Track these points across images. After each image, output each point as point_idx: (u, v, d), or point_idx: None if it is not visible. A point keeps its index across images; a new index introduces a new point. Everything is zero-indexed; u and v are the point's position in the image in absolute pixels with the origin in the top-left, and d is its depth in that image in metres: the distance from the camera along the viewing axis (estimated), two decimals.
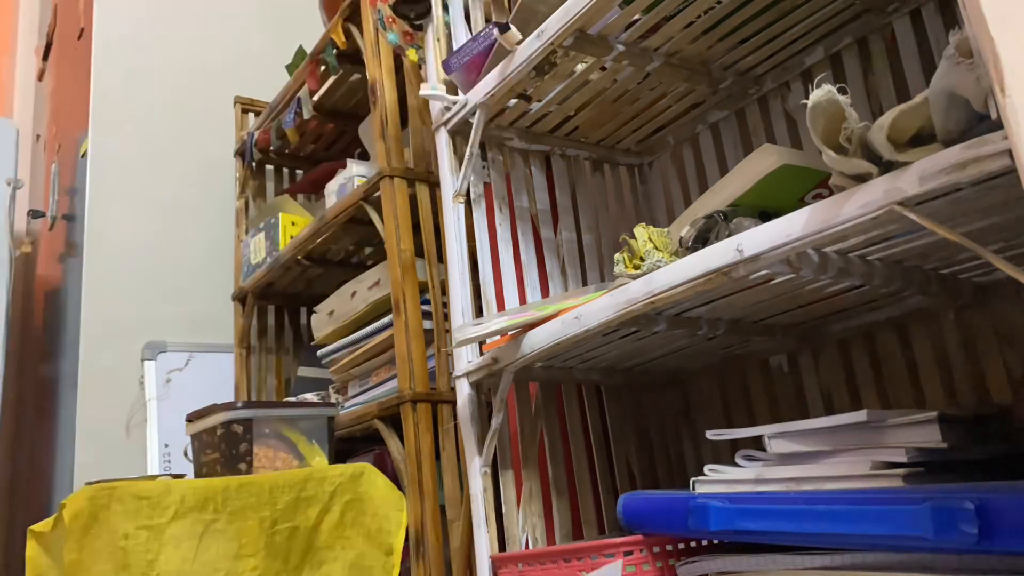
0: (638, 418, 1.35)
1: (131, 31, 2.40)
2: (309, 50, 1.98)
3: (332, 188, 1.83)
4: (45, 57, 3.14)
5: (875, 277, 0.84)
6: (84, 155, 2.27)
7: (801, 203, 0.93)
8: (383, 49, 1.67)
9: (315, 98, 1.97)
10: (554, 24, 1.03)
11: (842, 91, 0.66)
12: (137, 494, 1.17)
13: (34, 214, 2.66)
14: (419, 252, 1.58)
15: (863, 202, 0.67)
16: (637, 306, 0.90)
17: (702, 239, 0.91)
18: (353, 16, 1.74)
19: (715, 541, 0.89)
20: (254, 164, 2.34)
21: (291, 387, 2.18)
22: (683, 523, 0.83)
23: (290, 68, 2.19)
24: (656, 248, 0.91)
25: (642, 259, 0.89)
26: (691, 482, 0.89)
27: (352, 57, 1.83)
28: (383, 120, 1.62)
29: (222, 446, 1.40)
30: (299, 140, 2.17)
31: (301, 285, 2.19)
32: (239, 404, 1.43)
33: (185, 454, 1.55)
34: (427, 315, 1.54)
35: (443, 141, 1.26)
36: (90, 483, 1.18)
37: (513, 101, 1.22)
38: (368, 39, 1.68)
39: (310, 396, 1.85)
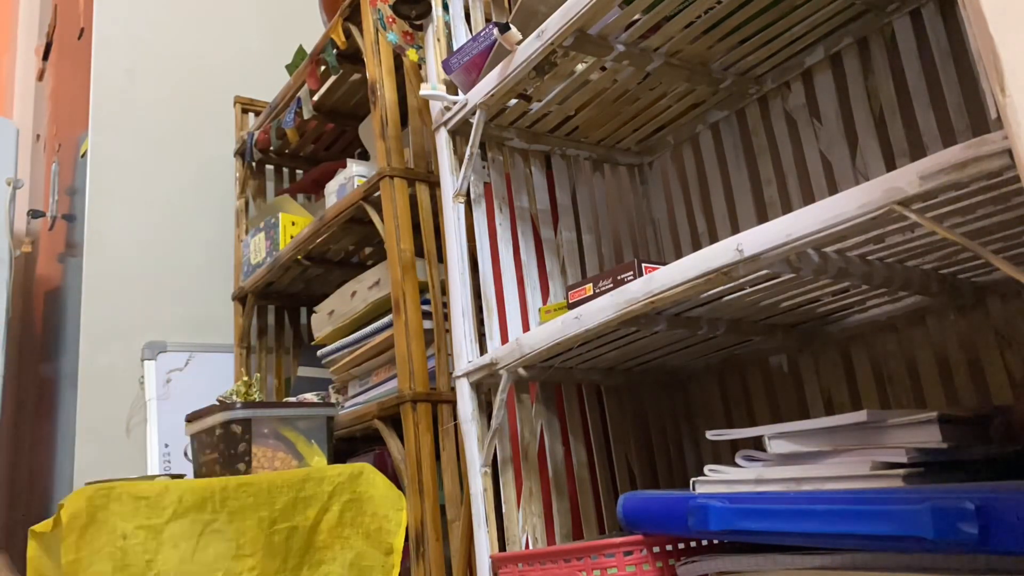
0: (638, 418, 1.35)
1: (131, 31, 2.40)
2: (309, 50, 1.98)
3: (332, 188, 1.83)
4: (45, 57, 3.14)
5: (875, 277, 0.84)
6: (84, 155, 2.27)
7: None
8: (383, 49, 1.67)
9: (315, 98, 1.97)
10: (554, 24, 1.03)
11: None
12: (135, 494, 1.17)
13: (34, 214, 2.66)
14: (419, 252, 1.58)
15: (863, 201, 0.67)
16: (637, 306, 0.90)
17: None
18: (353, 16, 1.74)
19: (715, 541, 0.88)
20: (254, 164, 2.34)
21: (291, 387, 2.18)
22: (683, 523, 0.83)
23: (290, 68, 2.19)
24: None
25: None
26: (691, 482, 0.89)
27: (352, 57, 1.83)
28: (383, 120, 1.62)
29: (221, 446, 1.40)
30: (299, 140, 2.17)
31: (301, 285, 2.19)
32: (238, 404, 1.43)
33: (185, 454, 1.55)
34: (427, 315, 1.54)
35: (443, 141, 1.26)
36: (90, 483, 1.18)
37: (513, 101, 1.22)
38: (368, 39, 1.68)
39: (310, 396, 1.85)
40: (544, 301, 1.27)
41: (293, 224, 2.02)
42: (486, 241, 1.23)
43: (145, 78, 2.38)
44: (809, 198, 1.22)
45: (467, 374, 1.16)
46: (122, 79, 2.34)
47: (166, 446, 2.06)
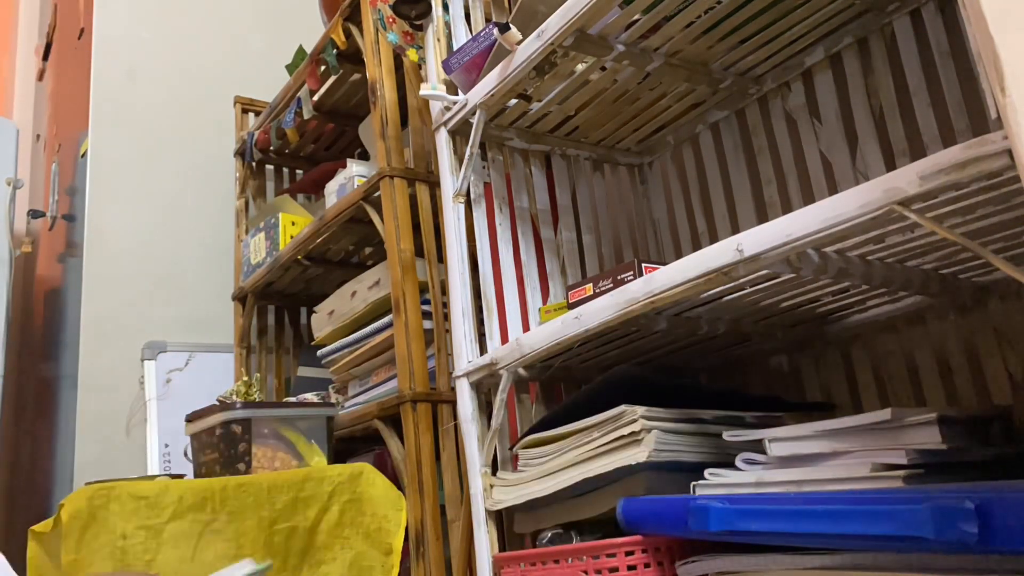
0: None
1: (131, 31, 2.40)
2: (309, 50, 1.98)
3: (332, 188, 1.83)
4: (45, 57, 3.14)
5: (875, 277, 0.84)
6: (84, 155, 2.27)
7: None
8: (383, 49, 1.67)
9: (315, 98, 1.97)
10: (554, 24, 1.03)
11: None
12: (135, 494, 1.17)
13: (34, 214, 2.67)
14: (419, 252, 1.58)
15: (863, 201, 0.67)
16: (637, 306, 0.90)
17: None
18: (353, 16, 1.74)
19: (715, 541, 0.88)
20: (254, 164, 2.34)
21: (291, 387, 2.18)
22: (683, 524, 0.83)
23: (290, 68, 2.19)
24: None
25: None
26: (691, 486, 0.89)
27: (352, 57, 1.83)
28: (383, 120, 1.62)
29: (221, 446, 1.40)
30: (299, 140, 2.17)
31: (301, 285, 2.19)
32: (238, 404, 1.43)
33: (185, 454, 1.55)
34: (427, 315, 1.54)
35: (443, 141, 1.26)
36: (90, 483, 1.18)
37: (513, 101, 1.22)
38: (368, 39, 1.68)
39: (310, 396, 1.85)
40: (544, 301, 1.27)
41: (293, 224, 2.02)
42: (486, 241, 1.23)
43: (145, 78, 2.38)
44: (809, 198, 1.22)
45: (467, 374, 1.16)
46: (122, 79, 2.34)
47: (166, 446, 2.06)
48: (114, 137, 2.28)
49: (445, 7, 1.35)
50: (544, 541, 1.02)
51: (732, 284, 0.84)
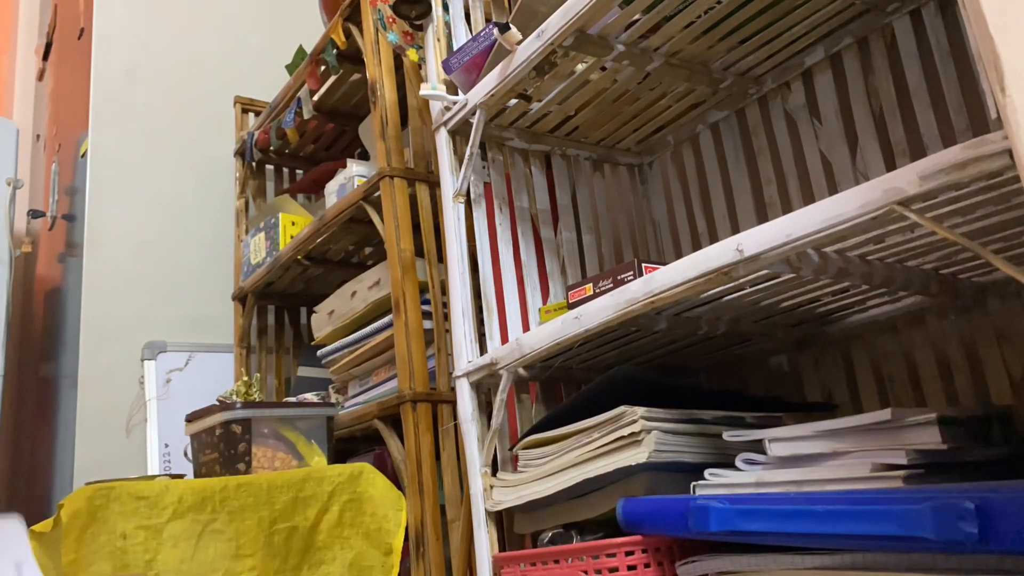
0: None
1: (131, 31, 2.40)
2: (309, 50, 1.98)
3: (332, 188, 1.83)
4: (45, 57, 3.14)
5: (875, 277, 0.84)
6: (84, 155, 2.27)
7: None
8: (383, 49, 1.67)
9: (315, 98, 1.97)
10: (554, 24, 1.03)
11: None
12: (135, 494, 1.17)
13: (34, 214, 2.66)
14: (419, 252, 1.58)
15: (863, 201, 0.67)
16: (637, 306, 0.90)
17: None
18: (353, 16, 1.74)
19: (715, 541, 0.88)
20: (254, 164, 2.34)
21: (291, 387, 2.18)
22: (683, 524, 0.83)
23: (290, 68, 2.19)
24: None
25: None
26: (691, 486, 0.89)
27: (352, 57, 1.83)
28: (383, 120, 1.62)
29: (221, 446, 1.40)
30: (299, 140, 2.17)
31: (301, 285, 2.19)
32: (238, 404, 1.43)
33: (185, 454, 1.55)
34: (427, 315, 1.54)
35: (443, 141, 1.26)
36: (90, 483, 1.18)
37: (513, 101, 1.22)
38: (368, 39, 1.68)
39: (310, 396, 1.85)
40: (544, 301, 1.27)
41: (293, 224, 2.02)
42: (486, 241, 1.23)
43: (145, 78, 2.38)
44: (809, 198, 1.22)
45: (467, 374, 1.16)
46: (122, 79, 2.34)
47: (166, 446, 2.06)
48: (114, 137, 2.28)
49: (445, 7, 1.35)
50: (544, 541, 1.02)
51: (732, 284, 0.84)
